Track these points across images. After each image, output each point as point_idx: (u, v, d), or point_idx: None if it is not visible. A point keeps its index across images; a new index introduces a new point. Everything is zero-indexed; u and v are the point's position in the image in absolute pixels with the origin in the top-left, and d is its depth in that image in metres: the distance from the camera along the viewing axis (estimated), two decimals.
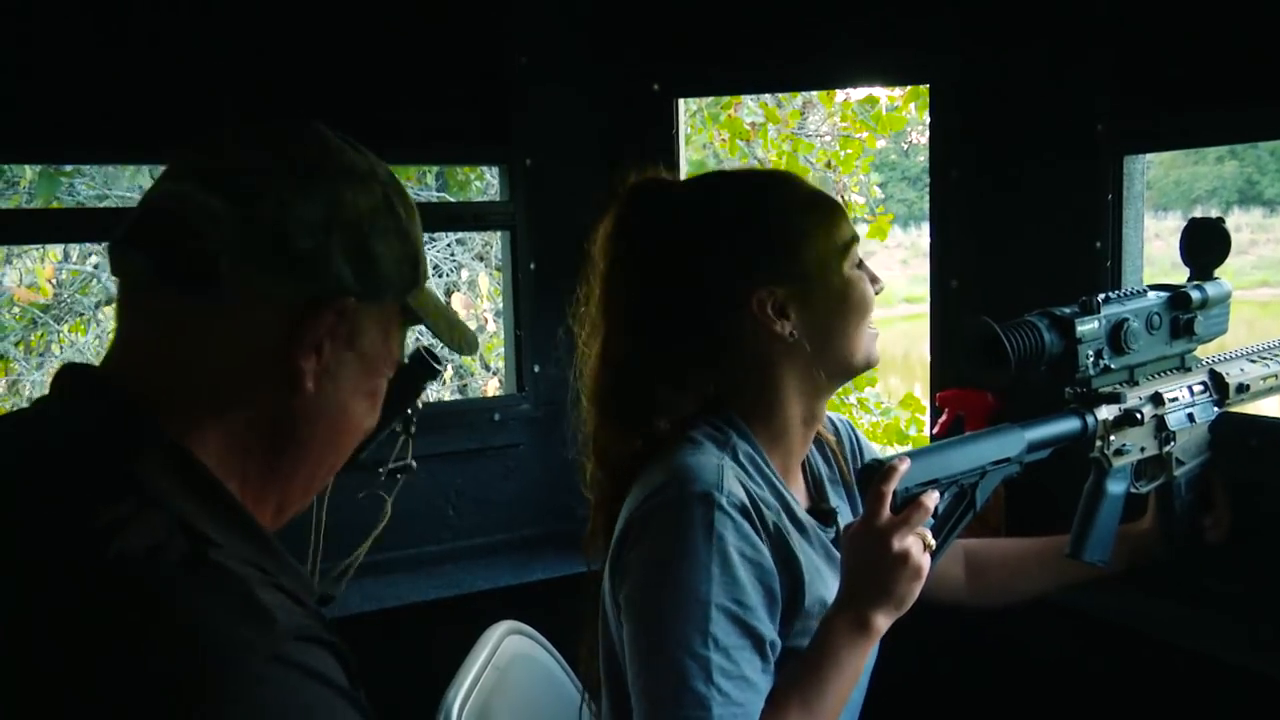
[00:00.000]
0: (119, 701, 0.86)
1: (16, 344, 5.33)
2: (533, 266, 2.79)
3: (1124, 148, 2.29)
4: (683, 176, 2.53)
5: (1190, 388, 1.95)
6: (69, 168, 4.83)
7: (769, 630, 1.52)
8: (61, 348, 5.43)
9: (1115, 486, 1.88)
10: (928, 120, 2.87)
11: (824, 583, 1.61)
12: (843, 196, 6.34)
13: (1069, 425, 1.83)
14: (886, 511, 1.52)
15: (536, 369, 2.81)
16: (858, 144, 6.38)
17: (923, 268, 3.03)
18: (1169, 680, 2.06)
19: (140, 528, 0.93)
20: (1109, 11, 2.27)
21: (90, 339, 5.38)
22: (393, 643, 2.35)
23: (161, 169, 1.13)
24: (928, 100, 2.73)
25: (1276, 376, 2.02)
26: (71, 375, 1.09)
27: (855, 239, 1.68)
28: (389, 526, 1.89)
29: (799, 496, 1.73)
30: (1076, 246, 2.35)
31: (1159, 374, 1.93)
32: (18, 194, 5.06)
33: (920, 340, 3.83)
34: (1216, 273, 1.94)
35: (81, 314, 5.47)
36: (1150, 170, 2.43)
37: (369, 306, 1.11)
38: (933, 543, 1.55)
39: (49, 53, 2.28)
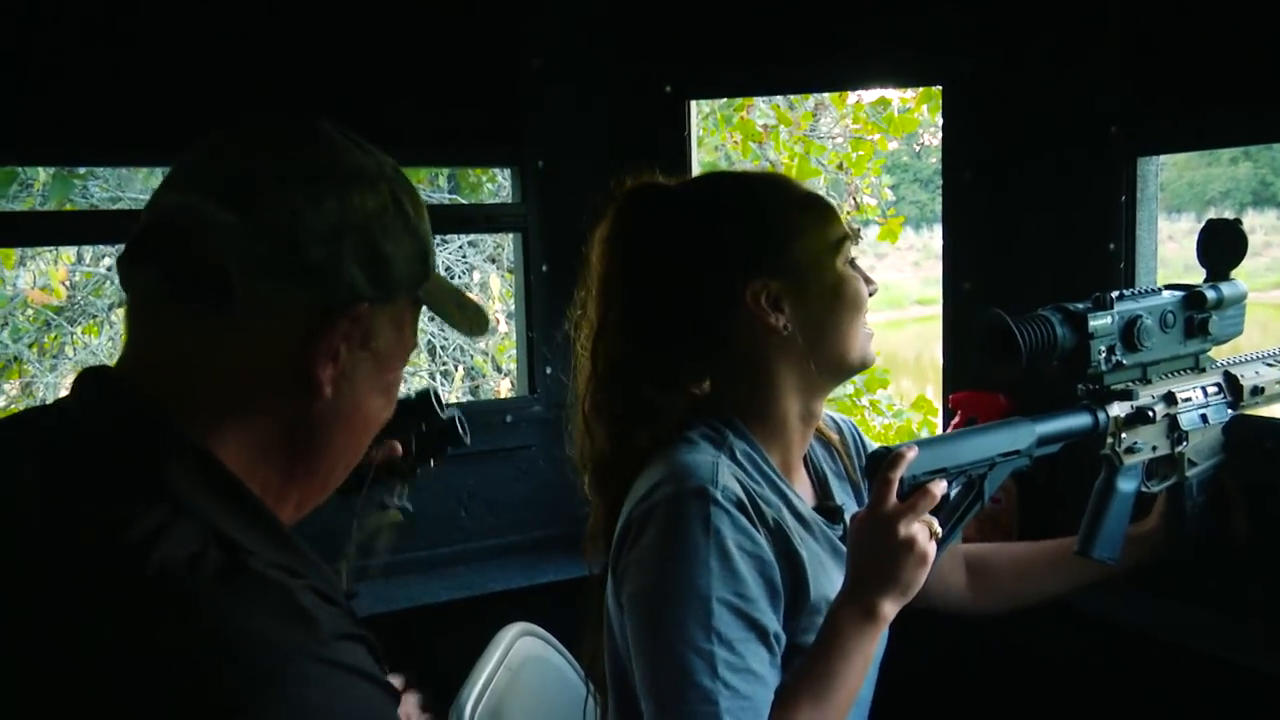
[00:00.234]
0: (172, 715, 0.86)
1: (30, 346, 5.34)
2: (545, 268, 2.79)
3: (1137, 149, 2.28)
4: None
5: (1204, 389, 1.95)
6: (82, 170, 4.83)
7: (772, 622, 1.52)
8: (75, 350, 5.44)
9: (1126, 484, 1.88)
10: (940, 122, 2.86)
11: (829, 579, 1.61)
12: (854, 198, 6.34)
13: (1080, 420, 1.83)
14: (893, 498, 1.53)
15: (548, 371, 2.81)
16: (870, 146, 6.37)
17: (935, 269, 3.02)
18: (1177, 682, 2.05)
19: (177, 538, 0.94)
20: (1122, 12, 2.26)
21: (104, 341, 5.39)
22: (406, 644, 2.35)
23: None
24: (940, 102, 2.73)
25: None
26: (93, 378, 1.09)
27: (847, 238, 1.69)
28: (401, 527, 1.90)
29: (804, 494, 1.74)
30: (1090, 248, 2.34)
31: (1173, 374, 1.93)
32: (31, 196, 5.08)
33: (933, 342, 3.84)
34: (1232, 274, 1.94)
35: (95, 316, 5.48)
36: (1163, 172, 2.43)
37: (382, 307, 1.12)
38: (939, 531, 1.56)
39: (60, 55, 2.29)
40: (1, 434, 1.09)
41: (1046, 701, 2.26)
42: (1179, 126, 2.23)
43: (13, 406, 5.28)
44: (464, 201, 5.44)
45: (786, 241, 1.65)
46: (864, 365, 1.72)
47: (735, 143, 6.00)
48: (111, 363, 1.11)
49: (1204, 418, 1.94)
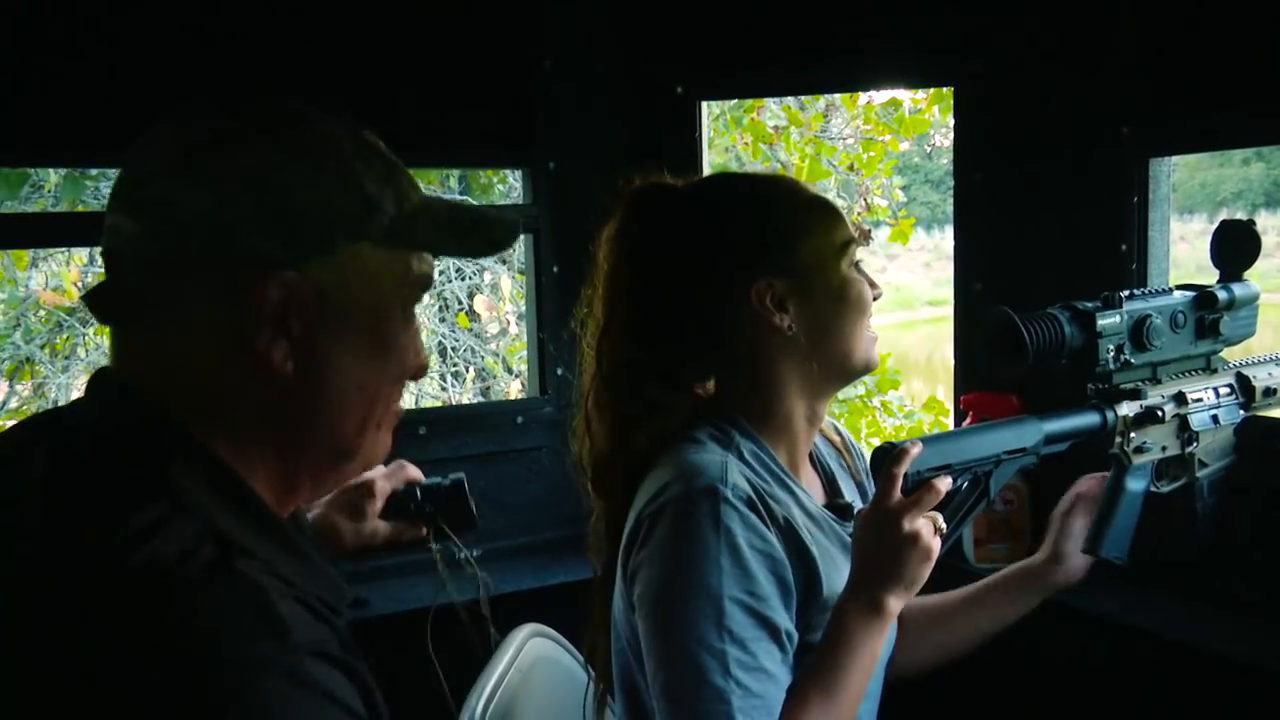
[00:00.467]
0: (132, 708, 0.86)
1: (43, 347, 5.35)
2: (556, 270, 2.79)
3: (1149, 150, 2.28)
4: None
5: (1216, 389, 1.94)
6: (94, 171, 4.84)
7: (784, 620, 1.52)
8: (87, 351, 5.45)
9: (1135, 484, 1.88)
10: (951, 123, 2.86)
11: (841, 575, 1.61)
12: (865, 199, 6.33)
13: (1088, 419, 1.83)
14: (897, 493, 1.54)
15: (559, 372, 2.81)
16: (880, 147, 6.37)
17: (946, 270, 3.02)
18: (1178, 681, 2.05)
19: (170, 534, 0.93)
20: (1134, 13, 2.26)
21: None
22: (416, 644, 2.35)
23: None
24: (951, 102, 2.72)
25: None
26: (103, 380, 1.09)
27: (854, 241, 1.70)
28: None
29: (813, 492, 1.74)
30: (1101, 249, 2.34)
31: (1183, 374, 1.93)
32: (43, 197, 5.09)
33: (944, 343, 3.83)
34: (1245, 275, 1.94)
35: None
36: (1175, 173, 2.42)
37: (323, 263, 1.06)
38: (944, 526, 1.56)
39: (69, 56, 2.29)
40: (17, 435, 1.09)
41: (1047, 700, 2.26)
42: (1191, 127, 2.23)
43: (25, 407, 5.29)
44: (475, 203, 5.45)
45: (793, 241, 1.66)
46: (867, 369, 1.73)
47: (746, 144, 6.00)
48: None
49: (1215, 419, 1.94)
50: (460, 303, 5.53)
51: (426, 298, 5.01)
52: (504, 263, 5.63)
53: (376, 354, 1.12)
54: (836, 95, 5.99)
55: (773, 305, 1.64)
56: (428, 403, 5.45)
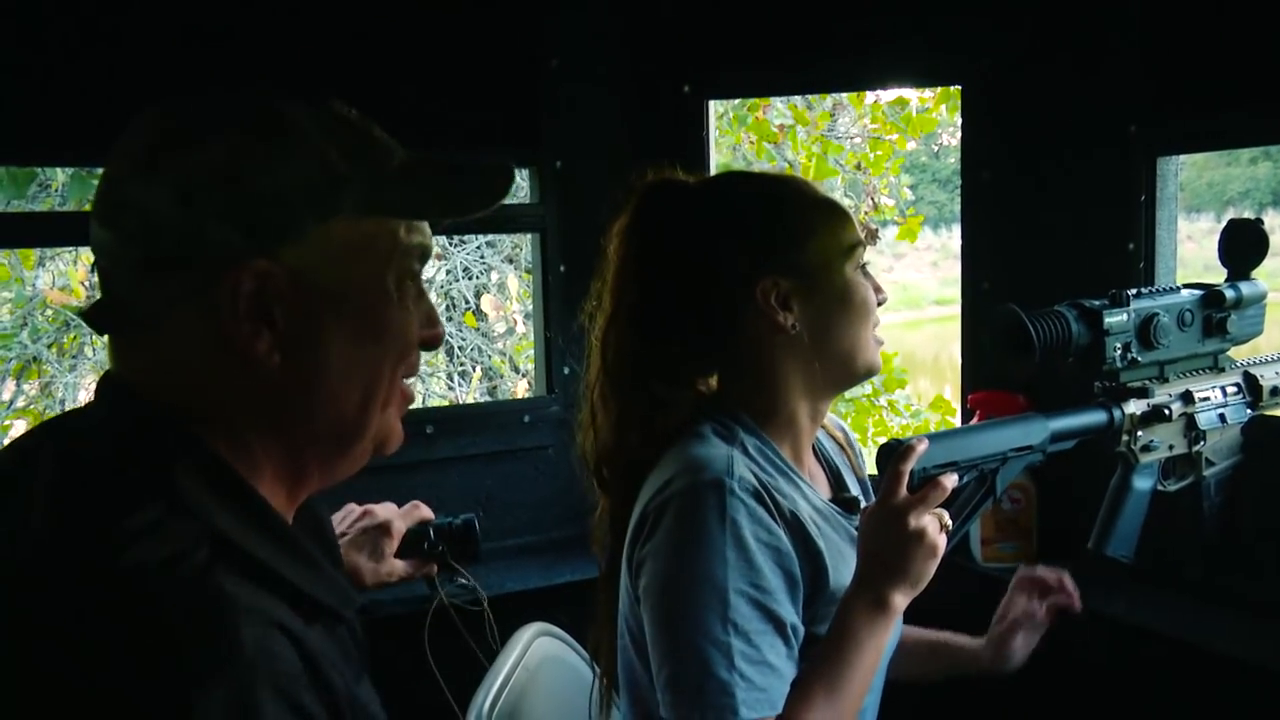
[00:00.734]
0: (130, 709, 0.86)
1: (50, 346, 5.35)
2: (562, 269, 2.79)
3: (1157, 149, 2.28)
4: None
5: (1223, 388, 1.94)
6: (100, 170, 4.85)
7: (789, 613, 1.52)
8: (94, 350, 5.45)
9: (1142, 482, 1.88)
10: (959, 122, 2.86)
11: (848, 568, 1.61)
12: (873, 199, 6.33)
13: (1095, 417, 1.83)
14: (903, 490, 1.54)
15: (566, 371, 2.81)
16: (888, 146, 6.36)
17: (953, 270, 3.02)
18: (1180, 681, 2.05)
19: (162, 537, 0.93)
20: (1142, 12, 2.26)
21: None
22: (423, 644, 2.36)
23: None
24: (959, 101, 2.72)
25: None
26: (110, 383, 1.09)
27: (860, 244, 1.70)
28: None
29: (819, 487, 1.74)
30: (1109, 248, 2.34)
31: (1191, 372, 1.92)
32: (50, 197, 5.09)
33: (951, 342, 3.83)
34: (1253, 274, 1.94)
35: None
36: (1183, 172, 2.42)
37: (296, 247, 1.04)
38: (949, 523, 1.56)
39: (73, 55, 2.30)
40: (27, 440, 1.09)
41: (1052, 699, 2.25)
42: (1198, 126, 2.23)
43: (32, 407, 5.29)
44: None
45: (800, 240, 1.66)
46: (869, 372, 1.73)
47: (751, 143, 6.00)
48: None
49: (1222, 417, 1.93)
50: (467, 302, 5.53)
51: (433, 296, 5.01)
52: (511, 261, 5.64)
53: (368, 331, 1.09)
54: (844, 94, 5.99)
55: (777, 304, 1.64)
56: (435, 402, 5.45)
